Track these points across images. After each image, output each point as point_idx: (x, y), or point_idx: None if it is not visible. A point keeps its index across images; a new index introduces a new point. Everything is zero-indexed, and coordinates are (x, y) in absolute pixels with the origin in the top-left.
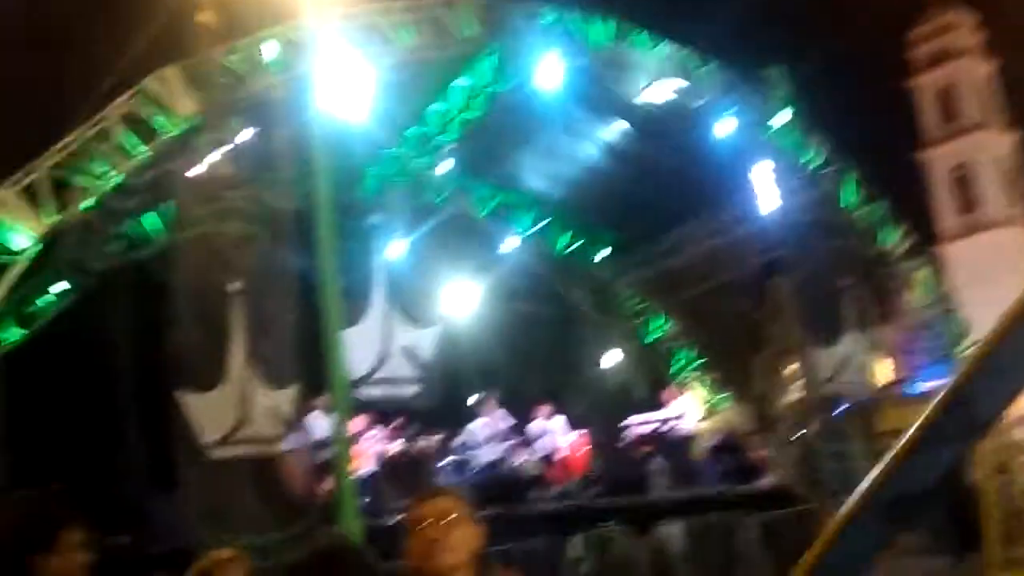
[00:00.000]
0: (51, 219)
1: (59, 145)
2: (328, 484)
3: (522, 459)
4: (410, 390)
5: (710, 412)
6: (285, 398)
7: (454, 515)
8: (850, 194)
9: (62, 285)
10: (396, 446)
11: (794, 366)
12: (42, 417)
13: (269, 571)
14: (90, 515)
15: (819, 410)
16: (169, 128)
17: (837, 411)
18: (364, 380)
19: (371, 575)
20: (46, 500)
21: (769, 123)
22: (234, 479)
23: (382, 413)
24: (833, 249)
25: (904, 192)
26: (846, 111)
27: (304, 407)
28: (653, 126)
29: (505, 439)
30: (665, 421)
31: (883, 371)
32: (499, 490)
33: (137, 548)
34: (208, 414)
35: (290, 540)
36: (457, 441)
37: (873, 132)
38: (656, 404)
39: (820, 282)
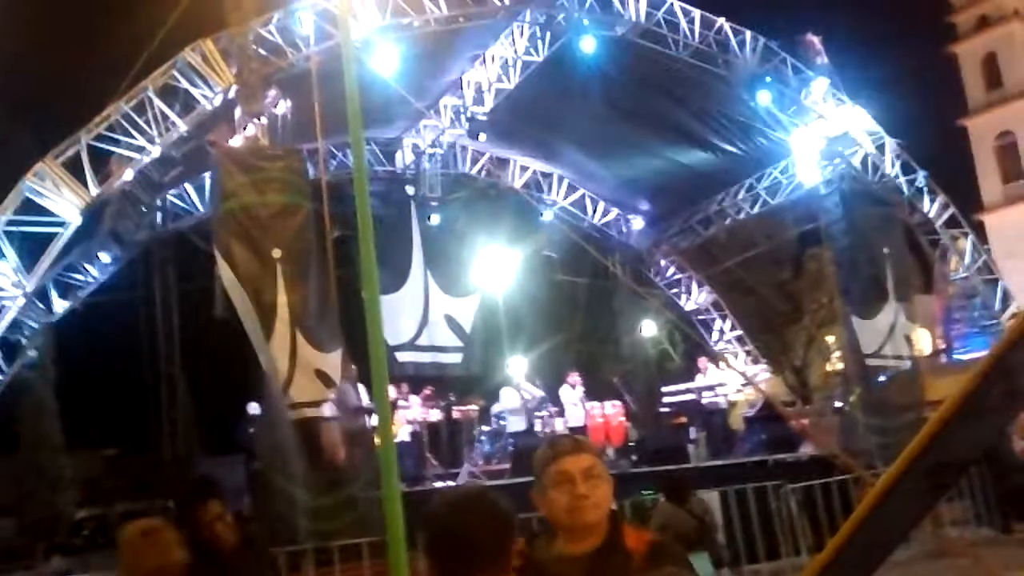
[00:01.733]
0: (94, 191)
1: (99, 117)
2: (369, 450)
3: (558, 427)
4: (452, 357)
5: (748, 382)
6: (329, 362)
7: (600, 470)
8: (891, 162)
9: (106, 256)
10: (433, 414)
11: (833, 336)
12: (92, 383)
13: (323, 534)
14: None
15: (860, 380)
16: (207, 100)
17: (878, 381)
18: (407, 346)
19: (506, 524)
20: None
21: (808, 91)
22: (285, 441)
23: (419, 382)
24: (874, 218)
25: (946, 160)
26: (887, 78)
27: (348, 373)
28: (690, 94)
29: (541, 408)
30: (702, 391)
31: (924, 341)
32: None
33: (182, 510)
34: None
35: (340, 505)
36: (493, 409)
37: (915, 99)
38: (693, 374)
39: (861, 251)
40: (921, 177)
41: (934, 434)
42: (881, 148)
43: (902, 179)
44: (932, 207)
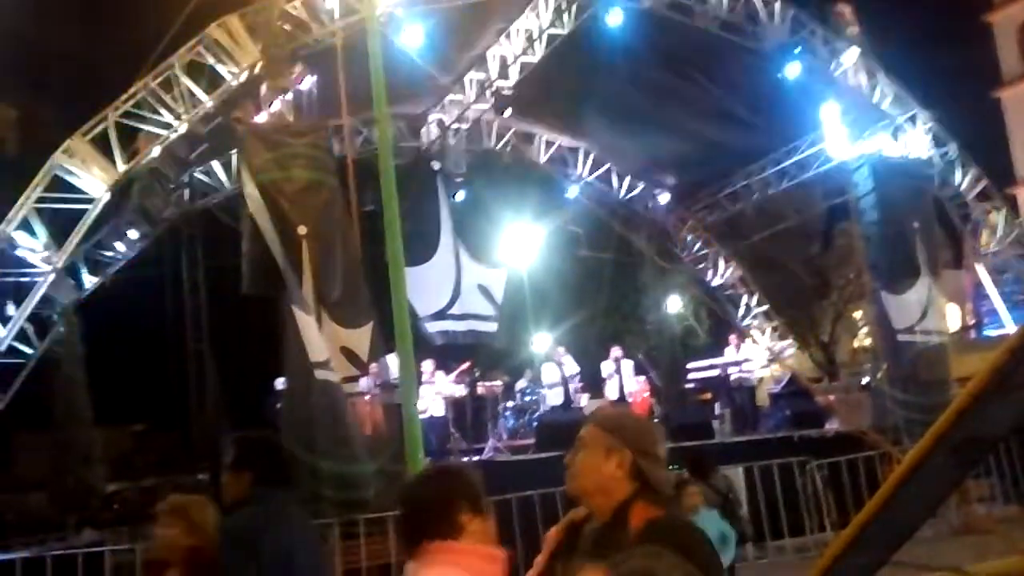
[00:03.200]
0: (122, 167)
1: (126, 94)
2: (397, 424)
3: (586, 403)
4: (488, 325)
5: (774, 358)
6: (357, 338)
7: (586, 440)
8: (923, 134)
9: (134, 232)
10: (461, 389)
11: (861, 312)
12: (121, 359)
13: (350, 503)
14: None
15: (889, 356)
16: (232, 76)
17: (907, 357)
18: (440, 315)
19: (450, 497)
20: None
21: (839, 62)
22: (316, 412)
23: (451, 352)
24: (904, 192)
25: (979, 133)
26: (920, 48)
27: (382, 348)
28: (718, 67)
29: (568, 383)
30: (728, 367)
31: (954, 316)
32: (565, 433)
33: (217, 485)
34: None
35: (367, 475)
36: (520, 385)
37: (948, 70)
38: (719, 350)
39: (890, 226)
40: (953, 150)
41: (963, 410)
42: (912, 120)
43: (934, 152)
44: (964, 180)
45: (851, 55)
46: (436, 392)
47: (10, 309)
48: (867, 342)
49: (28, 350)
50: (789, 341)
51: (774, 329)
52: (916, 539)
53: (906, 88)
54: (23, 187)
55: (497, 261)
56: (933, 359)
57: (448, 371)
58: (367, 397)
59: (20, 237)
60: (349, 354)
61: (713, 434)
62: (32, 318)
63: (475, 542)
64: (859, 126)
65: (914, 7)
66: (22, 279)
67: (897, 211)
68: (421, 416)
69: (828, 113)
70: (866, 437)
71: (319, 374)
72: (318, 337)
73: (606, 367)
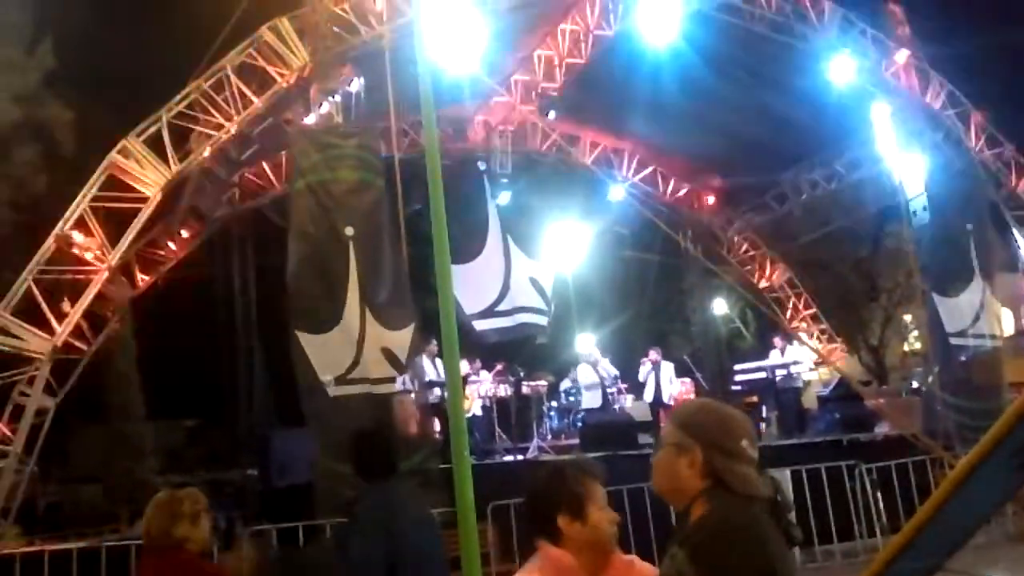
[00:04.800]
0: (174, 167)
1: (179, 95)
2: (439, 424)
3: (629, 404)
4: (539, 319)
5: (823, 361)
6: (399, 339)
7: (660, 440)
8: (976, 135)
9: (186, 231)
10: (503, 390)
11: (911, 315)
12: (173, 357)
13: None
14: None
15: (941, 360)
16: (282, 77)
17: (960, 361)
18: (486, 312)
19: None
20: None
21: (889, 63)
22: (351, 415)
23: (497, 351)
24: (957, 193)
25: None
26: (973, 48)
27: (419, 348)
28: (766, 67)
29: (611, 385)
30: (775, 369)
31: (1008, 320)
32: (610, 434)
33: (265, 481)
34: (325, 354)
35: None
36: (564, 386)
37: (1003, 69)
38: (765, 353)
39: (942, 228)
40: (1008, 150)
41: (1021, 414)
42: (966, 120)
43: (987, 152)
44: (1020, 182)
45: (902, 55)
46: (480, 392)
47: (66, 306)
48: (917, 346)
49: (83, 346)
50: (837, 344)
51: (822, 332)
52: (970, 545)
53: (959, 88)
54: (79, 187)
55: (545, 257)
56: (986, 363)
57: (490, 370)
58: (402, 396)
59: (76, 235)
60: (389, 355)
61: (760, 437)
62: (87, 315)
63: (573, 547)
64: (910, 126)
65: (968, 6)
66: (78, 276)
67: (950, 213)
68: (466, 415)
69: (878, 113)
70: (917, 441)
71: (331, 391)
72: (335, 350)
73: (643, 369)
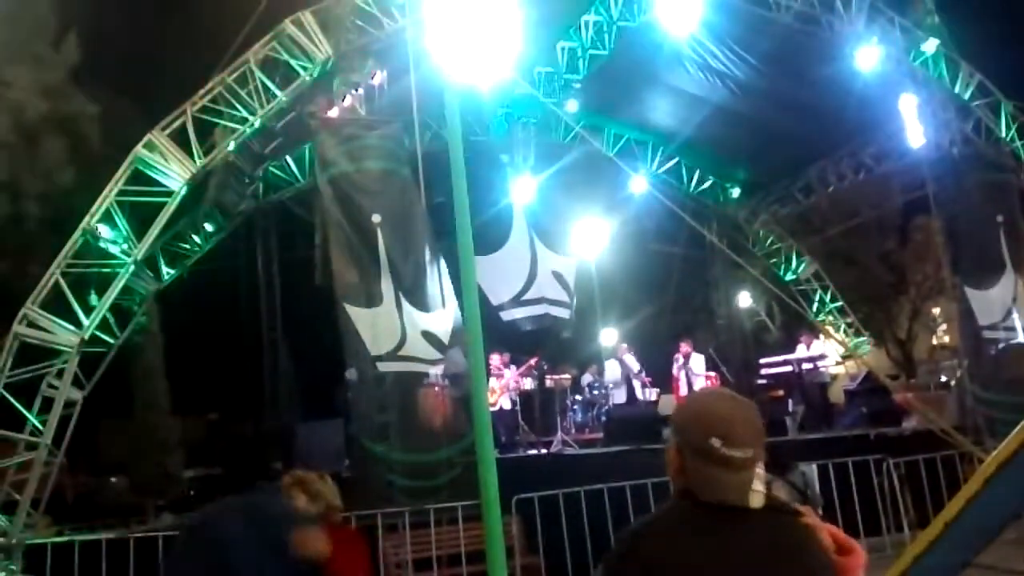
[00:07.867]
0: (199, 161)
1: (204, 89)
2: (466, 416)
3: (654, 398)
4: (562, 311)
5: (849, 354)
6: (435, 323)
7: None
8: (1006, 126)
9: (210, 225)
10: (527, 383)
11: (939, 308)
12: (198, 350)
13: (420, 492)
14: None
15: (972, 353)
16: (306, 71)
17: (990, 355)
18: (513, 302)
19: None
20: None
21: (918, 52)
22: (385, 400)
23: (522, 340)
24: (986, 185)
25: None
26: (1004, 36)
27: (455, 337)
28: (792, 57)
29: (631, 380)
30: (801, 363)
31: None
32: (633, 428)
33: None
34: (376, 328)
35: (437, 464)
36: (587, 379)
37: None
38: (791, 346)
39: (972, 220)
40: None
41: None
42: (996, 110)
43: (1018, 143)
44: None
45: (931, 44)
46: (504, 385)
47: (93, 299)
48: (946, 339)
49: (110, 339)
50: (865, 338)
51: (849, 325)
52: (1001, 540)
53: (989, 77)
54: (105, 181)
55: (568, 251)
56: (1018, 357)
57: (518, 365)
58: (436, 388)
59: (103, 229)
60: (430, 337)
61: (786, 431)
62: (114, 308)
63: None
64: (939, 117)
65: None
66: (104, 270)
67: (980, 205)
68: (491, 409)
69: (907, 104)
70: (946, 436)
71: (382, 366)
72: (384, 327)
73: (676, 365)
